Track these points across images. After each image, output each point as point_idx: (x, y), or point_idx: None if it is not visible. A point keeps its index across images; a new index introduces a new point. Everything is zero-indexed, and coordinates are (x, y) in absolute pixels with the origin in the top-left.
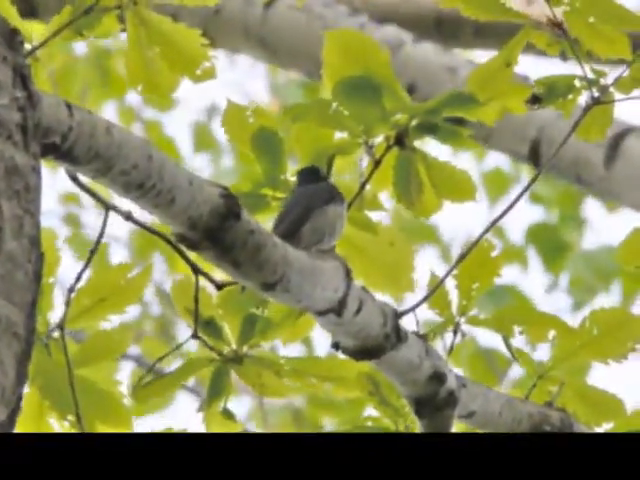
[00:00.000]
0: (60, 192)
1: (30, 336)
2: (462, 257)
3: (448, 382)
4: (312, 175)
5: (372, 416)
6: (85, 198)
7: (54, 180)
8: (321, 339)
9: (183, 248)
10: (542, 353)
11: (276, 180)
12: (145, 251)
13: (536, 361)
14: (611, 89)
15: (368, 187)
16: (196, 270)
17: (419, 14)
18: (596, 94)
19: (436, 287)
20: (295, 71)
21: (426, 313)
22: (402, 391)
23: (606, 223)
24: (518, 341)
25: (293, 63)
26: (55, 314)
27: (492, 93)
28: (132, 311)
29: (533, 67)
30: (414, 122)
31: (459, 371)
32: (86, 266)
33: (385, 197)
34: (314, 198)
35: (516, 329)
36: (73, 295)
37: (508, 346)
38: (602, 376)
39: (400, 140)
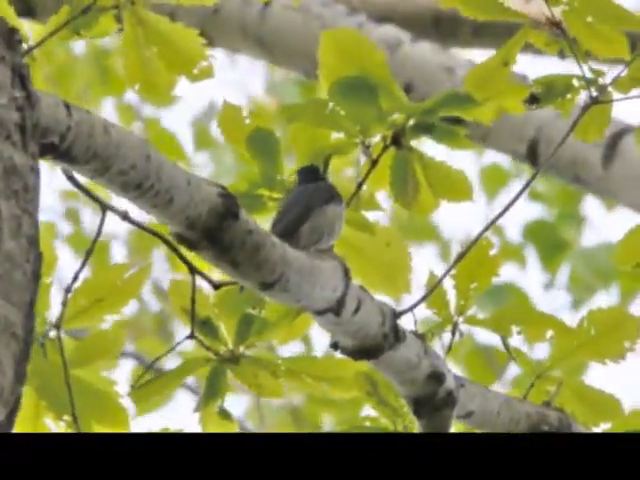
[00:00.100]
0: (59, 189)
1: (28, 336)
2: (460, 257)
3: (447, 382)
4: (311, 174)
5: (370, 416)
6: (84, 196)
7: (53, 177)
8: (320, 338)
9: (180, 248)
10: (540, 351)
11: (273, 180)
12: (144, 248)
13: (534, 360)
14: (609, 89)
15: (365, 187)
16: (193, 270)
17: (417, 13)
18: (594, 94)
19: (434, 287)
20: (293, 70)
21: (425, 312)
22: (400, 391)
23: (605, 221)
24: (516, 340)
25: (291, 62)
26: (52, 313)
27: (490, 92)
28: (130, 308)
29: (531, 66)
30: (411, 122)
31: (457, 369)
32: (82, 266)
33: (383, 196)
34: (313, 198)
35: (514, 329)
36: (70, 295)
37: (506, 346)
38: (600, 376)
39: (397, 140)
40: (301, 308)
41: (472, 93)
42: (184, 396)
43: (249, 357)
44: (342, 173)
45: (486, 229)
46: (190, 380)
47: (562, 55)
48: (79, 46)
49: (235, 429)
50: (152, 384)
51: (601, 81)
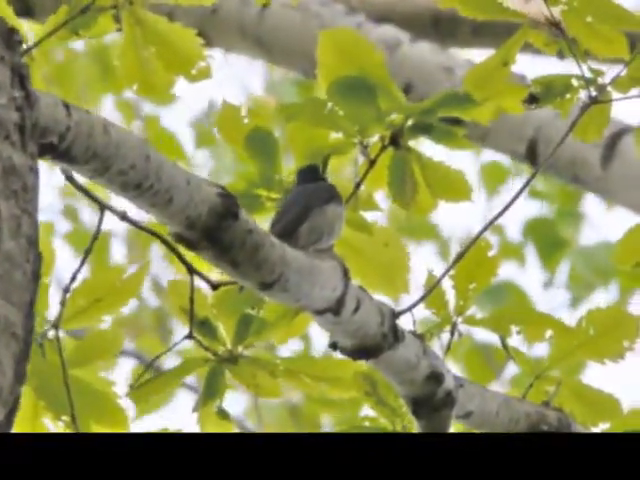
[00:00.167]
0: (58, 186)
1: (28, 336)
2: (459, 257)
3: (446, 382)
4: (311, 174)
5: (369, 416)
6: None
7: (51, 173)
8: (320, 337)
9: (178, 248)
10: (539, 350)
11: (271, 180)
12: (143, 246)
13: (533, 360)
14: (609, 88)
15: (363, 187)
16: (191, 270)
17: (416, 13)
18: (594, 93)
19: (433, 287)
20: (291, 70)
21: (424, 311)
22: (400, 391)
23: (604, 219)
24: (515, 340)
25: (289, 62)
26: (51, 313)
27: (489, 92)
28: (129, 305)
29: (530, 66)
30: (409, 122)
31: (456, 367)
32: (81, 266)
33: (382, 195)
34: (313, 198)
35: (513, 329)
36: (68, 295)
37: (505, 346)
38: (598, 375)
39: (395, 140)
40: (300, 308)
41: (471, 93)
42: (184, 395)
43: (247, 357)
44: (341, 173)
45: (485, 229)
46: (190, 379)
47: (561, 55)
48: (79, 43)
49: (233, 429)
50: (151, 384)
51: (600, 81)
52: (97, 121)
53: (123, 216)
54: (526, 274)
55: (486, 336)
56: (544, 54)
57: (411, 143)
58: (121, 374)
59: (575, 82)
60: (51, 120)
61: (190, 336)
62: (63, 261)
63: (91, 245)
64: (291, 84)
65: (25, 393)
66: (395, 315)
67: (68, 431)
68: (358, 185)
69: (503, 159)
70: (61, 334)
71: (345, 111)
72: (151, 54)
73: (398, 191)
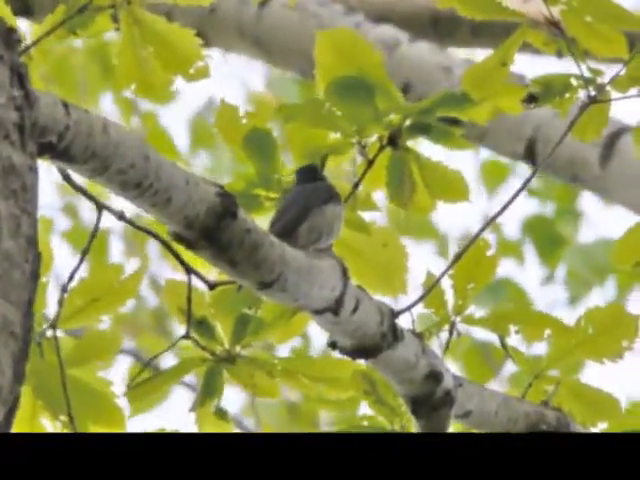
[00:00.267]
0: (56, 182)
1: (27, 335)
2: (458, 257)
3: (445, 381)
4: (310, 174)
5: (368, 415)
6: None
7: (50, 171)
8: (319, 336)
9: (175, 247)
10: (538, 349)
11: (269, 180)
12: (141, 243)
13: (532, 359)
14: (608, 88)
15: (361, 187)
16: (188, 270)
17: (415, 13)
18: (593, 93)
19: (432, 287)
20: (290, 70)
21: (422, 310)
22: (399, 390)
23: (602, 217)
24: (514, 339)
25: (288, 62)
26: (49, 311)
27: (487, 92)
28: (128, 303)
29: (529, 66)
30: (407, 122)
31: (455, 366)
32: (79, 266)
33: (380, 194)
34: (312, 197)
35: (512, 328)
36: (66, 295)
37: (504, 345)
38: (596, 373)
39: (393, 140)
40: (299, 307)
41: (470, 92)
42: (181, 393)
43: (245, 357)
44: (339, 173)
45: (483, 229)
46: (189, 378)
47: (560, 54)
48: (77, 40)
49: (231, 428)
50: (148, 384)
51: (599, 80)
52: (96, 120)
53: (121, 216)
54: (525, 271)
55: (485, 334)
56: (543, 54)
57: (409, 143)
58: (118, 372)
59: (574, 81)
60: (50, 119)
61: (187, 336)
62: (61, 259)
63: (89, 245)
64: (292, 81)
65: (24, 393)
66: (394, 314)
67: (66, 431)
68: (356, 185)
69: (502, 157)
70: (59, 334)
71: (343, 111)
72: (149, 54)
73: (396, 191)
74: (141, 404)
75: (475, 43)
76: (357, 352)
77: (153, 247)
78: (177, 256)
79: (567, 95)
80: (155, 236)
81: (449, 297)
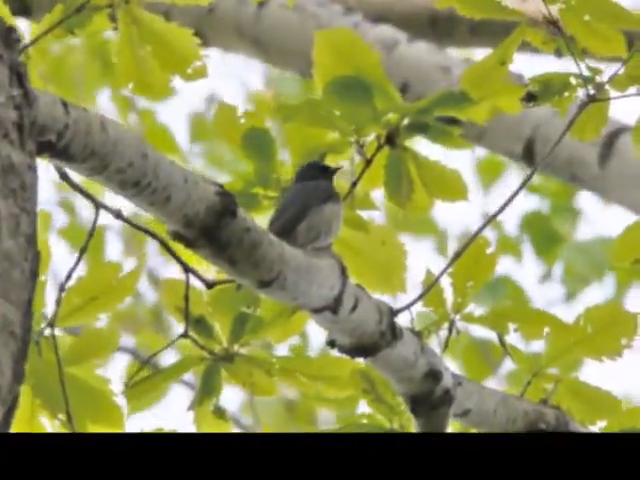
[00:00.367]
0: (55, 180)
1: (26, 335)
2: (457, 256)
3: (444, 380)
4: (314, 171)
5: (367, 414)
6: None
7: (48, 167)
8: (317, 334)
9: (173, 246)
10: (537, 346)
11: (267, 179)
12: (139, 240)
13: (531, 356)
14: (606, 87)
15: (359, 186)
16: (186, 268)
17: (414, 13)
18: (591, 91)
19: (431, 286)
20: (288, 70)
21: (421, 308)
22: (398, 389)
23: (600, 214)
24: (513, 337)
25: (286, 62)
26: (48, 310)
27: (486, 91)
28: (126, 300)
29: (528, 65)
30: (405, 121)
31: (453, 363)
32: (76, 264)
33: (379, 193)
34: (310, 196)
35: (511, 326)
36: (64, 293)
37: (503, 343)
38: (596, 373)
39: (391, 139)
40: (298, 306)
41: (468, 92)
42: (181, 391)
43: (243, 356)
44: (337, 172)
45: (482, 228)
46: (188, 376)
47: (559, 54)
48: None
49: (230, 427)
50: (146, 382)
51: (598, 79)
52: (95, 119)
53: (118, 214)
54: (523, 268)
55: (483, 332)
56: (542, 53)
57: (407, 142)
58: (116, 370)
59: (573, 80)
60: (49, 118)
61: (185, 334)
62: (58, 256)
63: (86, 244)
64: (292, 79)
65: (22, 391)
66: (393, 313)
67: (64, 429)
68: (354, 184)
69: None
70: (57, 332)
71: (341, 111)
72: (147, 53)
73: (394, 190)
74: (139, 402)
75: (474, 43)
76: (356, 351)
77: (151, 243)
78: (175, 255)
79: (566, 94)
80: (153, 235)
81: (448, 295)
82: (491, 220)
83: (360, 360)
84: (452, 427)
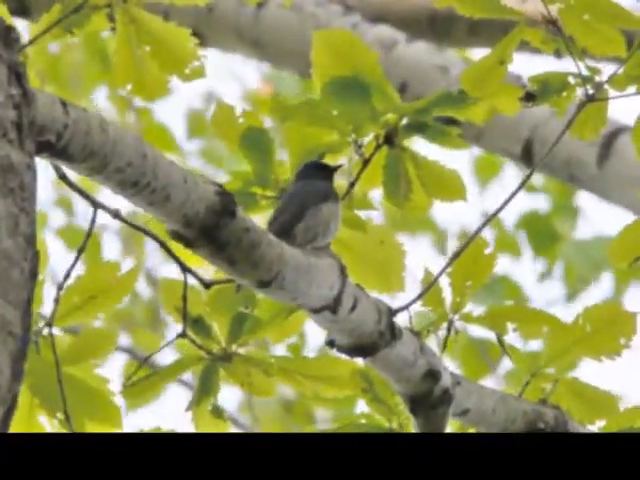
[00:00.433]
0: (53, 179)
1: (25, 334)
2: (456, 255)
3: (443, 380)
4: (314, 170)
5: (365, 413)
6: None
7: (46, 166)
8: (316, 334)
9: (171, 246)
10: (536, 345)
11: (266, 179)
12: (137, 239)
13: (529, 356)
14: (605, 86)
15: (357, 186)
16: (184, 268)
17: (413, 13)
18: (590, 91)
19: (430, 285)
20: (287, 69)
21: (420, 308)
22: (397, 389)
23: (599, 213)
24: (511, 336)
25: (285, 62)
26: (44, 309)
27: (485, 91)
28: (123, 300)
29: (527, 65)
30: (403, 121)
31: (452, 363)
32: (74, 264)
33: (377, 193)
34: (309, 196)
35: (509, 326)
36: (62, 293)
37: (501, 343)
38: (594, 371)
39: (389, 139)
40: (297, 306)
41: (467, 92)
42: (179, 391)
43: (242, 355)
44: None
45: (481, 228)
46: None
47: (558, 53)
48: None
49: (228, 426)
50: (143, 382)
51: (597, 79)
52: (94, 119)
53: (116, 214)
54: (521, 267)
55: (482, 332)
56: (541, 52)
57: (405, 142)
58: (114, 369)
59: (572, 80)
60: (49, 118)
61: (183, 334)
62: (56, 255)
63: (84, 244)
64: (291, 77)
65: (21, 391)
66: (392, 313)
67: (62, 428)
68: (353, 184)
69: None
70: (55, 331)
71: (340, 110)
72: (145, 53)
73: (392, 190)
74: (137, 401)
75: (472, 42)
76: (355, 350)
77: (149, 243)
78: (173, 255)
79: (565, 93)
80: (151, 235)
81: (447, 295)
82: (490, 220)
83: (359, 360)
84: (451, 426)
